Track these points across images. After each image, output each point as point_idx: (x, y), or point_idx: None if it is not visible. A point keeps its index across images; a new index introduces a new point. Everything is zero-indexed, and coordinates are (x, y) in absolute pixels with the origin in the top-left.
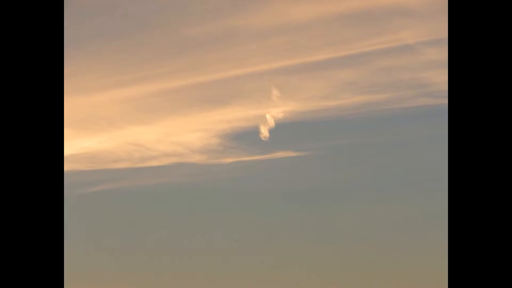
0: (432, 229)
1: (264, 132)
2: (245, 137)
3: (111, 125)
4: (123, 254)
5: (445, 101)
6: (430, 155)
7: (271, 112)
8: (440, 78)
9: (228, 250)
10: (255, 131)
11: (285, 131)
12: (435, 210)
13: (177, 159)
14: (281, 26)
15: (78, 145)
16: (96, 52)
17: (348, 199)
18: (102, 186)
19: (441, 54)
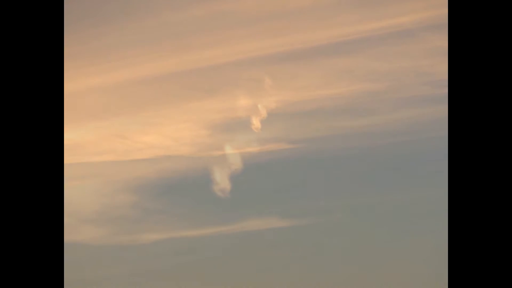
0: (432, 222)
1: (256, 123)
2: (236, 128)
3: (94, 116)
4: (108, 251)
5: (446, 90)
6: (430, 148)
7: (264, 102)
8: (442, 66)
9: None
10: (247, 122)
11: (278, 122)
12: (435, 203)
13: (164, 152)
14: (274, 10)
15: None
16: (76, 39)
17: (346, 193)
18: (84, 180)
19: (444, 40)
